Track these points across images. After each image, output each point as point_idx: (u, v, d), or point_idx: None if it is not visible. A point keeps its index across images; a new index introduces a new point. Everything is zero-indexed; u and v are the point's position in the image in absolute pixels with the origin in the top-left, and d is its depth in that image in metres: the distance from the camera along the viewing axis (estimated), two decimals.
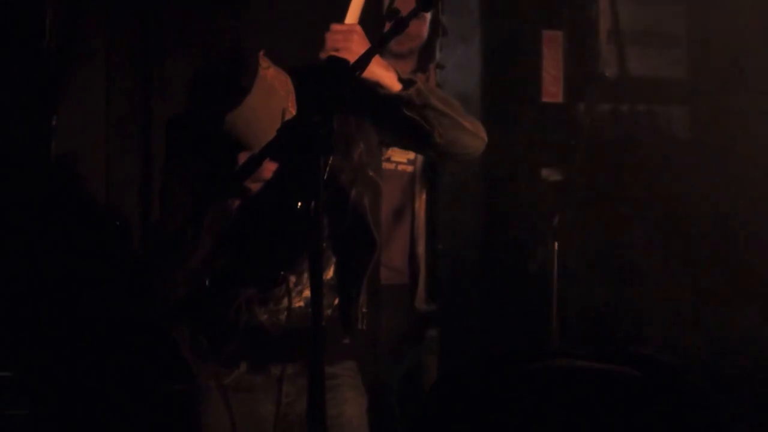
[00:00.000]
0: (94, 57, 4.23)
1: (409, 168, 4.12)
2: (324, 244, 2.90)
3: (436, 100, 2.92)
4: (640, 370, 1.81)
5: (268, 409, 3.04)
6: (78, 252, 4.11)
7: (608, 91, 4.64)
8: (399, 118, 2.91)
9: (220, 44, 4.21)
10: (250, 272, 3.00)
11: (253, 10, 4.30)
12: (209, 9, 4.30)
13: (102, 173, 4.25)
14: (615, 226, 4.51)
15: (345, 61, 2.65)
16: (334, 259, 3.02)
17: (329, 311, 3.01)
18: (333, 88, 2.50)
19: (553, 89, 4.59)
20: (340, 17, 2.85)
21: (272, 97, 2.80)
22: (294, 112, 2.84)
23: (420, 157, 4.08)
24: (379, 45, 2.66)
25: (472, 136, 3.00)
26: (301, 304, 2.99)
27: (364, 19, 2.87)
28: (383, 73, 2.88)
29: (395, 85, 2.89)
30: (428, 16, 4.10)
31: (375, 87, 2.88)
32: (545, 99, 4.59)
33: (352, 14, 2.85)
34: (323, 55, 2.80)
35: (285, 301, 3.00)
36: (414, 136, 2.96)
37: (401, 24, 2.55)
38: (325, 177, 2.66)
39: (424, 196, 4.15)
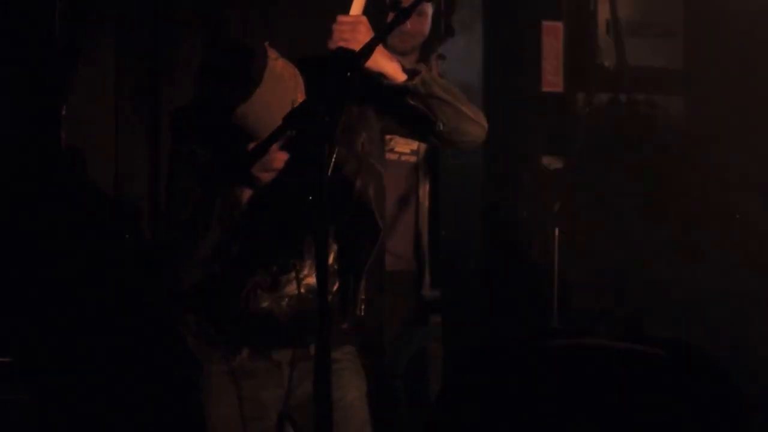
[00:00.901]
0: (103, 49, 4.23)
1: (413, 158, 4.16)
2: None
3: (440, 89, 2.97)
4: (666, 351, 1.86)
5: (271, 394, 3.07)
6: (87, 243, 4.12)
7: (607, 80, 4.68)
8: (403, 107, 2.96)
9: (228, 35, 4.24)
10: (260, 260, 3.02)
11: (260, 1, 4.32)
12: (218, 1, 4.32)
13: (111, 164, 4.26)
14: (615, 213, 4.55)
15: (352, 52, 2.69)
16: (335, 246, 3.04)
17: (329, 297, 3.04)
18: (341, 79, 2.51)
19: (553, 79, 4.63)
20: (346, 9, 2.88)
21: (282, 89, 2.81)
22: None
23: (423, 148, 4.12)
24: (382, 34, 2.71)
25: (475, 124, 3.05)
26: (303, 290, 3.02)
27: (369, 11, 2.91)
28: (387, 63, 2.92)
29: (399, 75, 2.93)
30: (429, 12, 4.13)
31: (379, 77, 2.92)
32: (545, 89, 4.63)
33: (358, 5, 2.88)
34: (331, 47, 2.82)
35: (289, 288, 3.03)
36: (418, 125, 3.02)
37: (404, 14, 2.60)
38: (330, 166, 2.72)
39: (427, 186, 4.20)
